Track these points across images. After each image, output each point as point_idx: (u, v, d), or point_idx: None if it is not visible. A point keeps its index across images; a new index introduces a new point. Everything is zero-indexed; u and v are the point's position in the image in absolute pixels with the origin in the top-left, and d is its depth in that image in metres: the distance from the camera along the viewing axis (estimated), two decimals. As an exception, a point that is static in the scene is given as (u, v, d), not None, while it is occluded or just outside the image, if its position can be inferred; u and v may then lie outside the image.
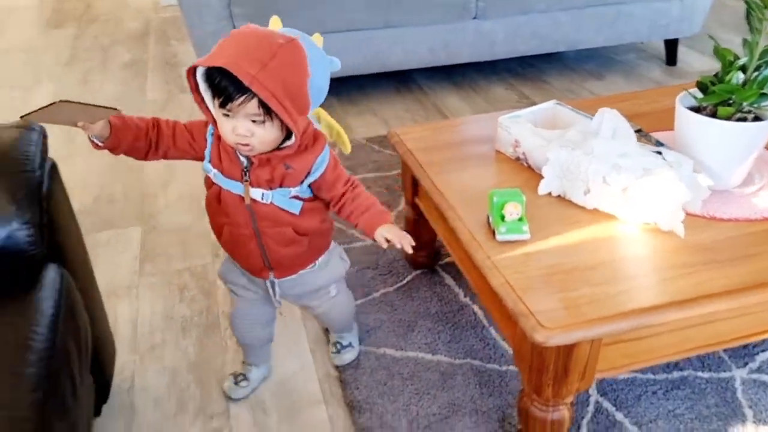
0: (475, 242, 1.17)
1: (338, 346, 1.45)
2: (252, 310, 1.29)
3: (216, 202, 1.12)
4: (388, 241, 1.10)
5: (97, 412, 1.32)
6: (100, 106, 0.99)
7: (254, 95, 0.93)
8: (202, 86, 0.99)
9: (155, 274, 1.75)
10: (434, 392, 1.37)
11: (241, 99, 0.93)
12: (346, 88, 2.79)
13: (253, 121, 0.97)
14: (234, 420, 1.33)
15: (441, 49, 2.57)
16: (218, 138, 1.06)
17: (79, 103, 0.96)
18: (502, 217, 1.14)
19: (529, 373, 1.07)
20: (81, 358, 1.07)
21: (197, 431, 1.31)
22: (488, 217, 1.19)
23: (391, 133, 1.58)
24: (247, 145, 0.99)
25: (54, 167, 1.20)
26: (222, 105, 0.96)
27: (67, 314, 1.04)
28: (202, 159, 1.10)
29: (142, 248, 1.85)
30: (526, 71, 2.93)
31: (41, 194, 1.10)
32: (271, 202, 1.08)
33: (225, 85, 0.93)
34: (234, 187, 1.08)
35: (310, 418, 1.34)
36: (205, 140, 1.08)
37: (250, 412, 1.35)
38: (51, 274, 1.07)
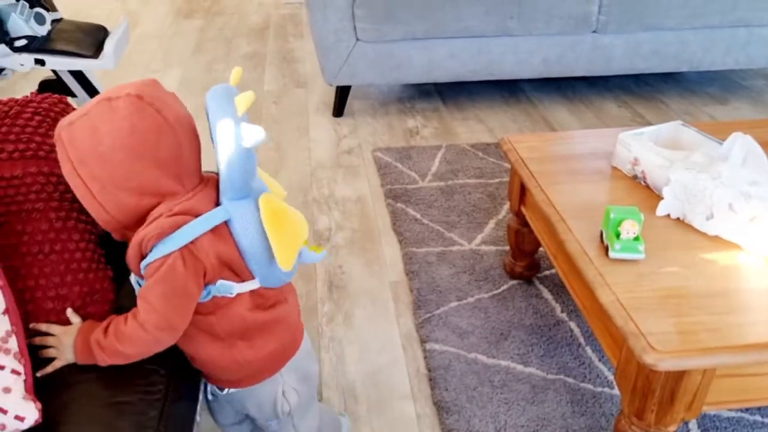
0: (586, 257, 1.15)
1: None
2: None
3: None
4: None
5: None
6: None
7: None
8: None
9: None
10: (524, 404, 1.36)
11: None
12: (453, 93, 2.81)
13: None
14: (326, 404, 1.38)
15: (555, 61, 2.53)
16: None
17: None
18: (618, 234, 1.12)
19: (631, 395, 1.04)
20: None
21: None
22: (602, 233, 1.17)
23: (504, 141, 1.58)
24: None
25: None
26: None
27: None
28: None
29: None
30: (641, 89, 2.83)
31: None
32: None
33: None
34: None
35: (399, 412, 1.36)
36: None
37: (341, 397, 1.39)
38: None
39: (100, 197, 0.80)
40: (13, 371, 0.77)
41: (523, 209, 1.56)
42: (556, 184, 1.37)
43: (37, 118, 0.97)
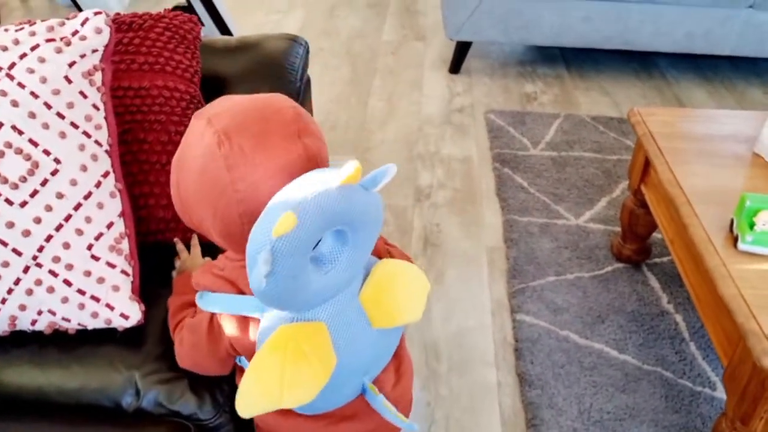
0: (711, 245, 1.05)
1: None
2: None
3: None
4: None
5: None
6: None
7: None
8: None
9: (361, 202, 1.84)
10: (613, 391, 1.29)
11: None
12: (579, 60, 2.65)
13: None
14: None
15: (701, 36, 2.31)
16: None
17: None
18: (751, 225, 1.01)
19: (740, 399, 0.95)
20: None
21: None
22: (732, 222, 1.06)
23: (633, 112, 1.47)
24: None
25: (309, 81, 1.30)
26: None
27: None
28: None
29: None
30: (795, 77, 2.54)
31: (298, 103, 1.18)
32: None
33: None
34: None
35: (479, 377, 1.33)
36: None
37: (424, 353, 1.38)
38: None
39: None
40: (123, 272, 0.81)
41: (643, 188, 1.45)
42: (686, 164, 1.26)
43: (168, 33, 1.00)
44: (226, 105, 0.64)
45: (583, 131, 2.18)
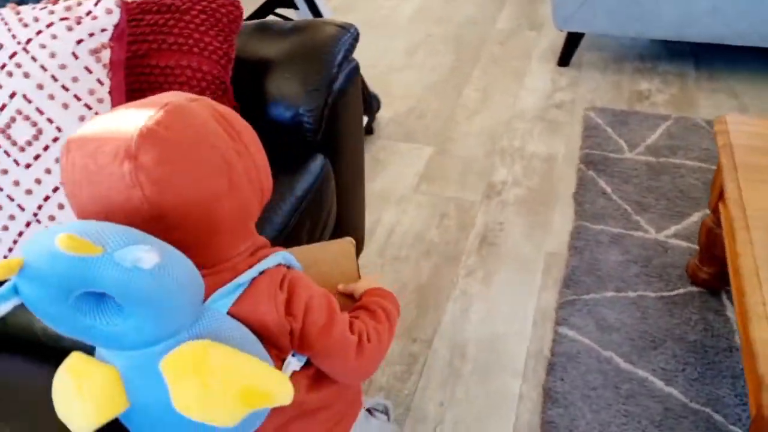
0: (756, 279, 0.91)
1: None
2: None
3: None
4: None
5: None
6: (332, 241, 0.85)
7: None
8: None
9: (427, 194, 1.81)
10: (646, 424, 1.17)
11: None
12: (710, 57, 2.38)
13: None
14: (432, 353, 1.34)
15: None
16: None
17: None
18: (803, 260, 0.86)
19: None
20: (315, 240, 1.18)
21: (396, 347, 1.36)
22: (786, 254, 0.91)
23: (719, 120, 1.30)
24: None
25: (355, 69, 1.29)
26: None
27: (314, 199, 1.15)
28: None
29: (427, 167, 1.93)
30: None
31: (331, 90, 1.19)
32: None
33: None
34: None
35: (502, 386, 1.27)
36: None
37: (449, 351, 1.34)
38: (317, 162, 1.18)
39: None
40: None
41: (720, 206, 1.28)
42: (760, 184, 1.09)
43: (203, 16, 1.05)
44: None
45: (693, 136, 1.97)
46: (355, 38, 1.27)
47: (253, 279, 0.60)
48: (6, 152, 0.82)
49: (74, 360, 0.58)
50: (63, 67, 0.82)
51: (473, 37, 2.69)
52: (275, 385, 0.56)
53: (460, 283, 1.51)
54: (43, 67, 0.81)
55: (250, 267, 0.60)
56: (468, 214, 1.73)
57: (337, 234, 1.31)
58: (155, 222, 0.54)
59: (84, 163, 0.55)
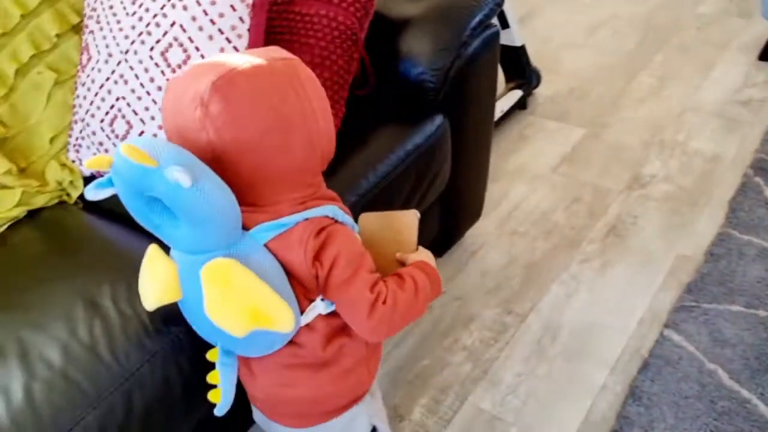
0: None
1: None
2: None
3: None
4: None
5: (439, 253, 1.53)
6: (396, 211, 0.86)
7: None
8: None
9: (565, 175, 1.77)
10: (735, 448, 1.08)
11: None
12: None
13: None
14: (524, 327, 1.35)
15: None
16: (333, 201, 0.76)
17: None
18: None
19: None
20: (419, 195, 1.24)
21: (490, 314, 1.38)
22: None
23: None
24: None
25: (493, 36, 1.31)
26: None
27: (423, 156, 1.20)
28: None
29: (573, 149, 1.87)
30: None
31: (460, 53, 1.23)
32: None
33: None
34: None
35: (586, 373, 1.24)
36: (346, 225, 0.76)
37: (542, 330, 1.34)
38: (434, 121, 1.23)
39: None
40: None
41: None
42: None
43: (346, -28, 1.15)
44: None
45: None
46: (498, 4, 1.29)
47: (297, 223, 0.67)
48: (162, 72, 0.99)
49: (151, 249, 0.71)
50: (213, 3, 0.97)
51: (666, 20, 2.50)
52: (278, 312, 0.65)
53: (573, 268, 1.48)
54: (197, 2, 0.97)
55: (295, 213, 0.67)
56: (602, 201, 1.66)
57: (447, 197, 1.36)
58: (215, 161, 0.64)
59: (174, 100, 0.66)
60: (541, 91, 2.13)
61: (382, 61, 1.23)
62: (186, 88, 0.65)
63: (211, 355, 0.72)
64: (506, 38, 2.02)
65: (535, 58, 2.09)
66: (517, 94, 2.02)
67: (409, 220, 0.81)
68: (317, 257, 0.66)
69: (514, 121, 2.01)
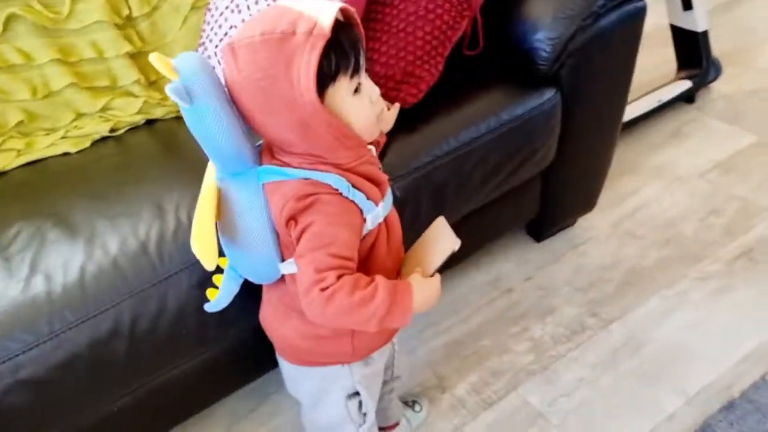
0: None
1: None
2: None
3: (389, 246, 0.76)
4: None
5: (536, 237, 1.45)
6: None
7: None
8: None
9: (712, 183, 1.55)
10: None
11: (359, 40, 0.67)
12: None
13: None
14: (604, 334, 1.24)
15: None
16: (356, 177, 0.70)
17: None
18: None
19: None
20: (508, 168, 1.17)
21: (571, 312, 1.29)
22: None
23: None
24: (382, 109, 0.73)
25: (636, 12, 1.17)
26: (356, 70, 0.65)
27: (519, 129, 1.13)
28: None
29: (732, 156, 1.63)
30: None
31: (587, 24, 1.12)
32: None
33: (345, 42, 0.64)
34: (389, 196, 0.76)
35: (656, 396, 1.12)
36: (357, 207, 0.69)
37: (623, 341, 1.22)
38: (541, 95, 1.14)
39: None
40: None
41: None
42: None
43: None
44: None
45: None
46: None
47: (296, 179, 0.66)
48: (268, 5, 1.04)
49: (209, 166, 0.74)
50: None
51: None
52: (195, 246, 0.67)
53: (683, 285, 1.31)
54: None
55: (300, 169, 0.67)
56: (747, 220, 1.44)
57: (550, 178, 1.27)
58: (234, 102, 0.65)
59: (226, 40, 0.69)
60: (718, 87, 1.87)
61: (499, 21, 1.17)
62: (232, 33, 0.67)
63: (222, 262, 0.76)
64: (686, 21, 1.80)
65: (727, 48, 1.84)
66: (685, 84, 1.80)
67: (447, 247, 0.74)
68: (294, 218, 0.66)
69: (674, 114, 1.80)
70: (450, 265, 0.76)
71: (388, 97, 1.08)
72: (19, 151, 1.14)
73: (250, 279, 0.76)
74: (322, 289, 0.63)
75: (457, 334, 1.27)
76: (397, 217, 0.78)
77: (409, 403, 1.14)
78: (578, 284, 1.35)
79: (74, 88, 1.18)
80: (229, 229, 0.70)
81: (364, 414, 0.84)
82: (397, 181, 1.01)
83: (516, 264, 1.41)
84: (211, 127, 0.64)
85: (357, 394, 0.82)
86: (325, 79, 0.63)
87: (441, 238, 0.75)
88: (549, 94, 1.15)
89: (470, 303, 1.33)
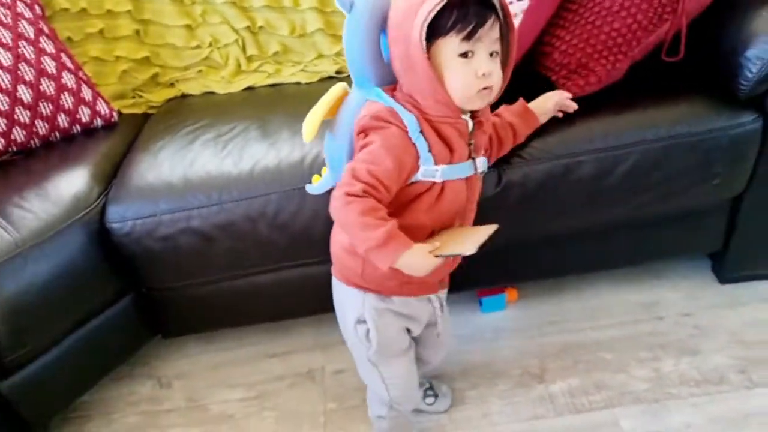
0: None
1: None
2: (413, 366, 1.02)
3: (432, 207, 0.83)
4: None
5: (722, 279, 1.30)
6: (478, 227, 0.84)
7: (497, 14, 0.75)
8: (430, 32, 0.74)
9: None
10: None
11: (492, 19, 0.74)
12: None
13: (490, 55, 0.77)
14: (741, 394, 1.09)
15: None
16: (430, 129, 0.79)
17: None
18: None
19: None
20: (675, 189, 1.09)
21: (717, 360, 1.16)
22: None
23: None
24: (488, 88, 0.77)
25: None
26: (469, 36, 0.73)
27: (702, 148, 1.07)
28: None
29: None
30: None
31: None
32: (482, 173, 0.88)
33: (472, 9, 0.73)
34: (464, 170, 0.83)
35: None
36: (415, 151, 0.79)
37: (762, 410, 1.06)
38: (738, 117, 1.06)
39: None
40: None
41: None
42: None
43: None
44: None
45: None
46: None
47: (386, 105, 0.79)
48: None
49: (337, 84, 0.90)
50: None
51: None
52: (306, 125, 0.85)
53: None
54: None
55: (388, 96, 0.80)
56: None
57: (735, 212, 1.15)
58: (387, 33, 0.80)
59: None
60: None
61: (707, 30, 1.08)
62: None
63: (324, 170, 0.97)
64: None
65: None
66: None
67: (463, 248, 0.78)
68: (364, 131, 0.80)
69: None
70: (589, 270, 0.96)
71: (557, 84, 1.10)
72: (269, 74, 1.46)
73: (332, 175, 0.92)
74: (347, 194, 0.75)
75: (582, 338, 1.25)
76: (466, 194, 0.85)
77: (428, 392, 1.18)
78: (740, 337, 1.20)
79: (321, 33, 1.45)
80: (335, 123, 0.87)
81: (370, 341, 0.91)
82: (532, 164, 1.05)
83: (682, 296, 1.30)
84: (352, 38, 0.80)
85: (364, 321, 0.90)
86: (439, 29, 0.74)
87: (467, 240, 0.79)
88: (746, 118, 1.05)
89: (611, 315, 1.28)
